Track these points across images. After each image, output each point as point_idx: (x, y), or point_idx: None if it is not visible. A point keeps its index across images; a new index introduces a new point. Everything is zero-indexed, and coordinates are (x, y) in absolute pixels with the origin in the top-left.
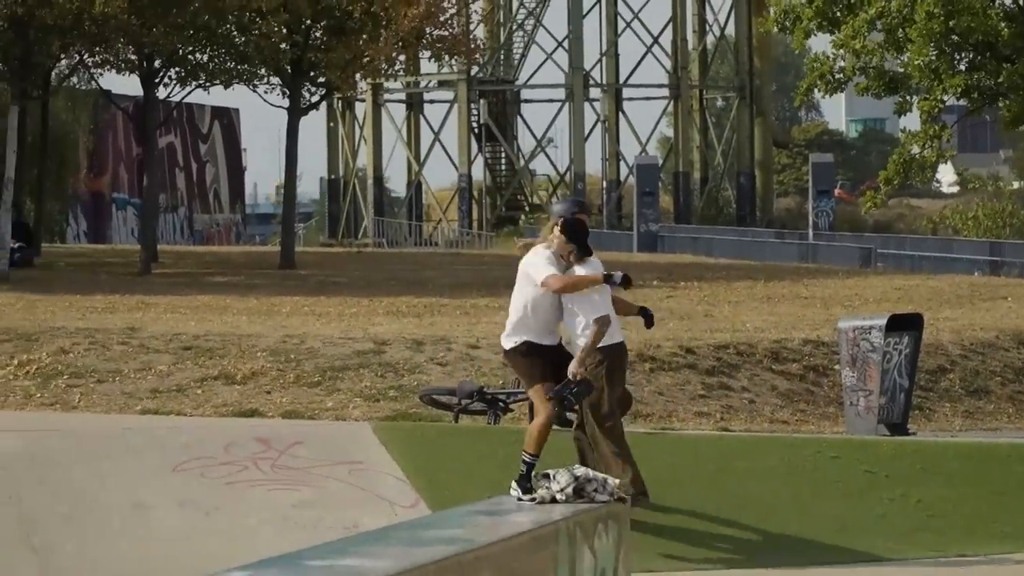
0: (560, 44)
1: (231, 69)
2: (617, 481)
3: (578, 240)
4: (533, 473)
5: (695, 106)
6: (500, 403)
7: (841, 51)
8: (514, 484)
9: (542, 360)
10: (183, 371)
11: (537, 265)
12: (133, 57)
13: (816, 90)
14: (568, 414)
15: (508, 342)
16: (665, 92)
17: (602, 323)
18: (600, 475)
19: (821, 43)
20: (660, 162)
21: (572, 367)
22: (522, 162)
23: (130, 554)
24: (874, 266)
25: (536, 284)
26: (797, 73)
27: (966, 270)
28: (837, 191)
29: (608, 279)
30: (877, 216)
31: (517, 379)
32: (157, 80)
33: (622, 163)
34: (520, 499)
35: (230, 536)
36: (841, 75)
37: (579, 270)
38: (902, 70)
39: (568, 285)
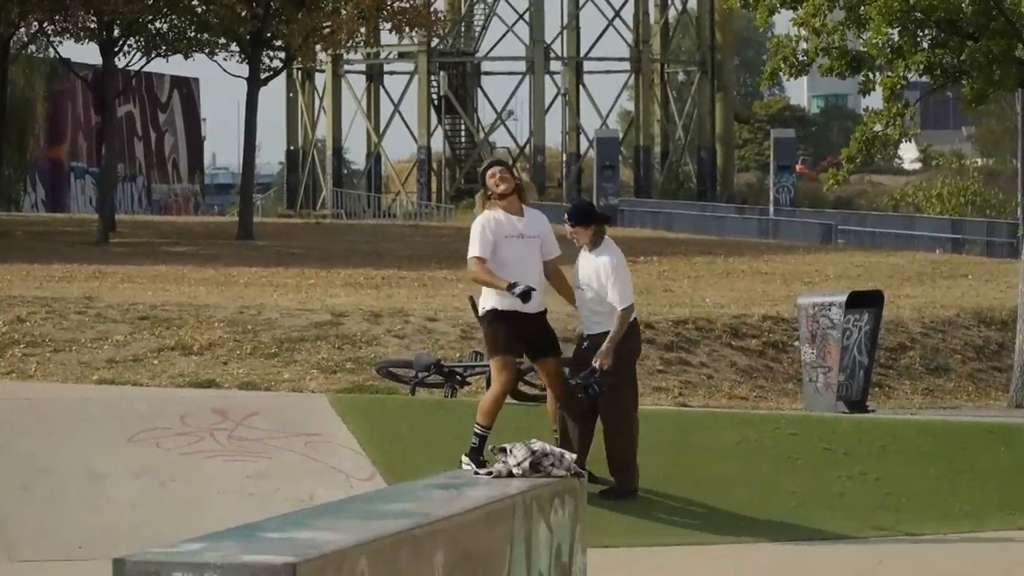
0: (521, 17)
1: (191, 38)
2: (574, 456)
3: (584, 220)
4: (487, 447)
5: (656, 80)
6: (457, 376)
7: (802, 30)
8: (465, 458)
9: (507, 328)
10: (140, 341)
11: (471, 237)
12: (92, 25)
13: (780, 73)
14: (528, 389)
15: (480, 308)
16: (626, 66)
17: (629, 311)
18: (557, 449)
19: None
20: (620, 136)
21: (599, 358)
22: (482, 135)
23: (85, 524)
24: (835, 242)
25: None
26: (759, 48)
27: (927, 247)
28: (798, 167)
29: (511, 288)
30: (838, 192)
31: (475, 352)
32: (116, 49)
33: (582, 136)
34: (476, 473)
35: (186, 507)
36: (804, 57)
37: (586, 256)
38: (864, 49)
39: (477, 279)
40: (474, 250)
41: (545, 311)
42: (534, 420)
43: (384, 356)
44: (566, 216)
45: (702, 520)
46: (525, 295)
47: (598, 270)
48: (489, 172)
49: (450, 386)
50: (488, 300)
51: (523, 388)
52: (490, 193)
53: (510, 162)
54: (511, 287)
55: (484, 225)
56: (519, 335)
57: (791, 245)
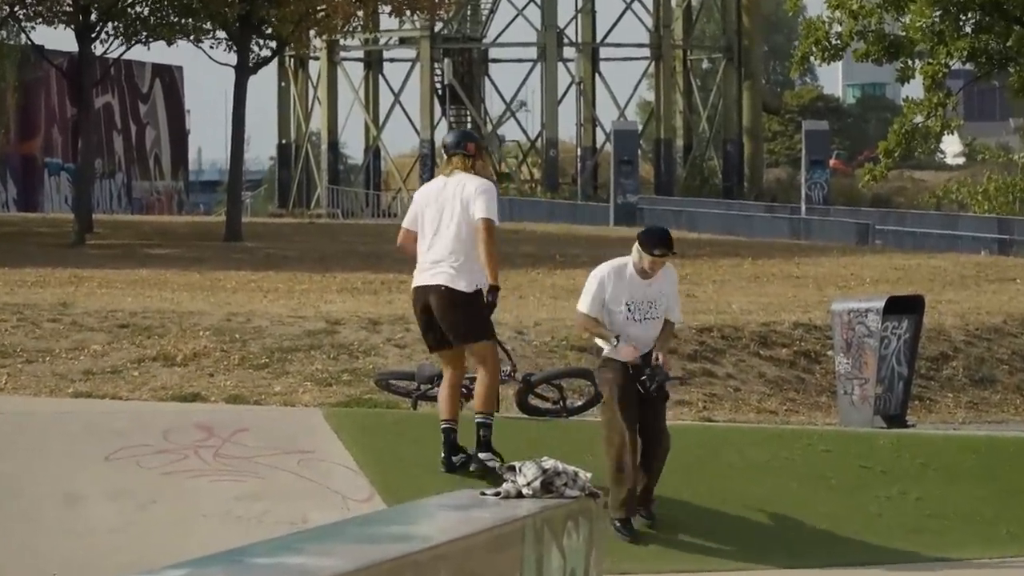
0: None
1: (174, 23)
2: (589, 475)
3: (659, 247)
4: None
5: (678, 68)
6: (463, 388)
7: (837, 12)
8: (483, 456)
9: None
10: (119, 351)
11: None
12: (68, 9)
13: (812, 58)
14: (539, 403)
15: (469, 285)
16: (646, 52)
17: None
18: (570, 468)
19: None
20: (640, 128)
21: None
22: (489, 127)
23: (59, 549)
24: (872, 243)
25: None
26: (790, 33)
27: (972, 248)
28: (832, 161)
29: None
30: (875, 189)
31: None
32: (94, 35)
33: (598, 129)
34: (484, 493)
35: (168, 530)
36: (838, 41)
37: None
38: (903, 33)
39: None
40: (495, 212)
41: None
42: (546, 435)
43: (384, 367)
44: (655, 250)
45: (728, 544)
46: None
47: (662, 289)
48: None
49: None
50: (473, 280)
51: (533, 401)
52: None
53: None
54: (495, 289)
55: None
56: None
57: (824, 246)
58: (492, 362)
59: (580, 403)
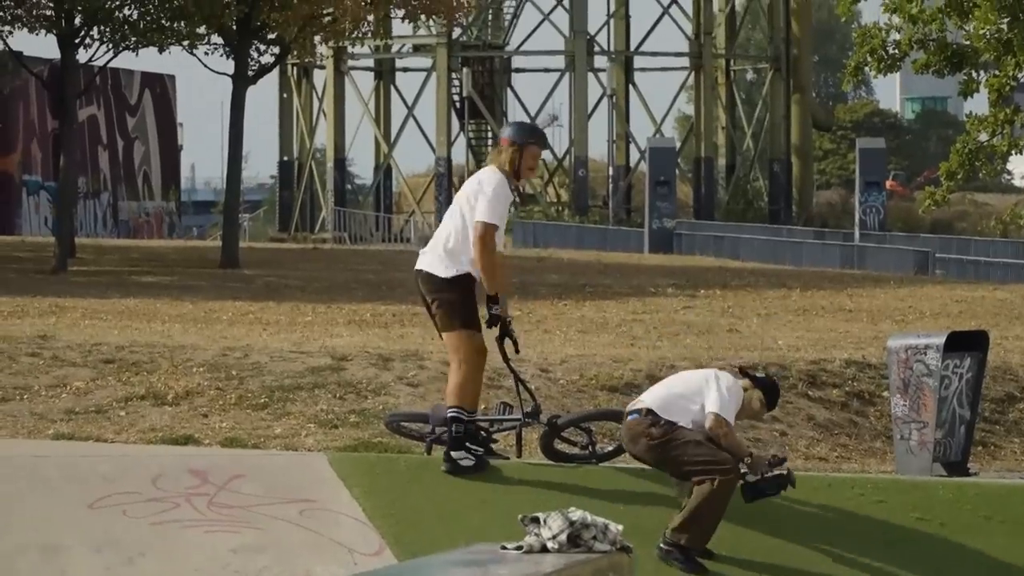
0: (559, 3)
1: (166, 28)
2: (620, 527)
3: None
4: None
5: (720, 79)
6: (482, 433)
7: (894, 18)
8: (455, 455)
9: (475, 298)
10: (104, 388)
11: (491, 194)
12: (49, 13)
13: (867, 68)
14: (566, 448)
15: (448, 271)
16: (685, 62)
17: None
18: (600, 520)
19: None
20: (678, 145)
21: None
22: None
23: None
24: (932, 273)
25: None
26: (843, 42)
27: None
28: (889, 183)
29: (492, 302)
30: (936, 214)
31: (503, 404)
32: (77, 41)
33: (632, 146)
34: (504, 547)
35: None
36: (896, 50)
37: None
38: (967, 42)
39: (484, 260)
40: (492, 215)
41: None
42: (571, 485)
43: (395, 407)
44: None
45: None
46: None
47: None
48: (531, 151)
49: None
50: (452, 267)
51: (559, 446)
52: (517, 169)
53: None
54: (497, 300)
55: (506, 191)
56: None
57: (880, 276)
58: (464, 353)
59: (610, 448)
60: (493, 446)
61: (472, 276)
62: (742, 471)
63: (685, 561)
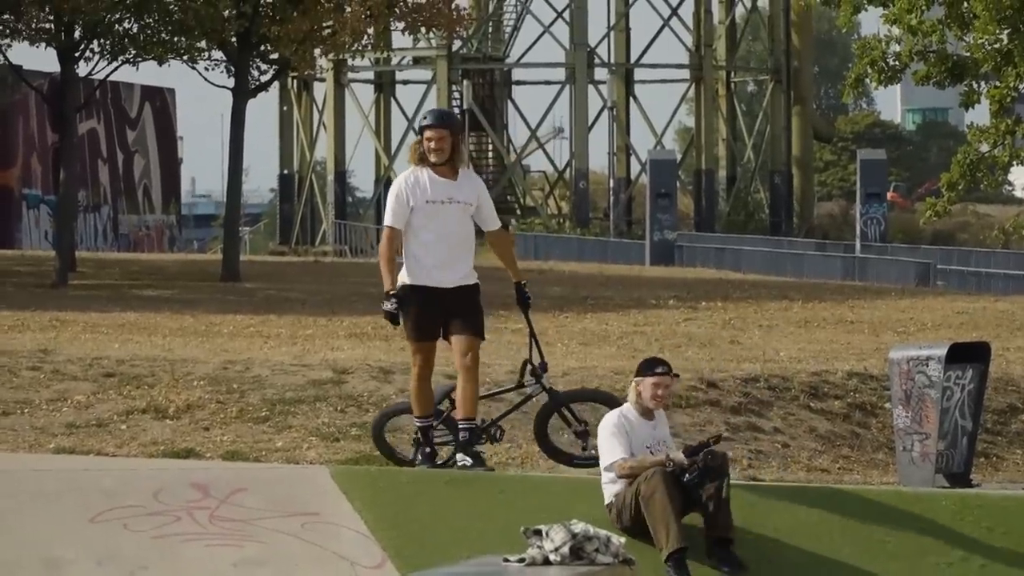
0: (560, 15)
1: (166, 42)
2: (622, 540)
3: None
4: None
5: (721, 91)
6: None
7: (894, 29)
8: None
9: (418, 309)
10: (105, 402)
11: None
12: (49, 26)
13: (867, 80)
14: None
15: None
16: (685, 74)
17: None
18: (603, 532)
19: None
20: (678, 157)
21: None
22: (513, 155)
23: None
24: (933, 284)
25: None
26: (844, 53)
27: None
28: (890, 194)
29: (387, 297)
30: (937, 225)
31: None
32: (77, 54)
33: (633, 158)
34: (507, 560)
35: None
36: (896, 62)
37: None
38: (967, 53)
39: (380, 259)
40: (387, 218)
41: (471, 286)
42: (576, 496)
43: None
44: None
45: None
46: (392, 317)
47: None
48: (426, 135)
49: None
50: (401, 276)
51: (552, 437)
52: (422, 163)
53: (458, 124)
54: (388, 296)
55: (406, 182)
56: (431, 315)
57: (881, 288)
58: (412, 363)
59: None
60: (480, 452)
61: (415, 286)
62: (674, 470)
63: (674, 568)
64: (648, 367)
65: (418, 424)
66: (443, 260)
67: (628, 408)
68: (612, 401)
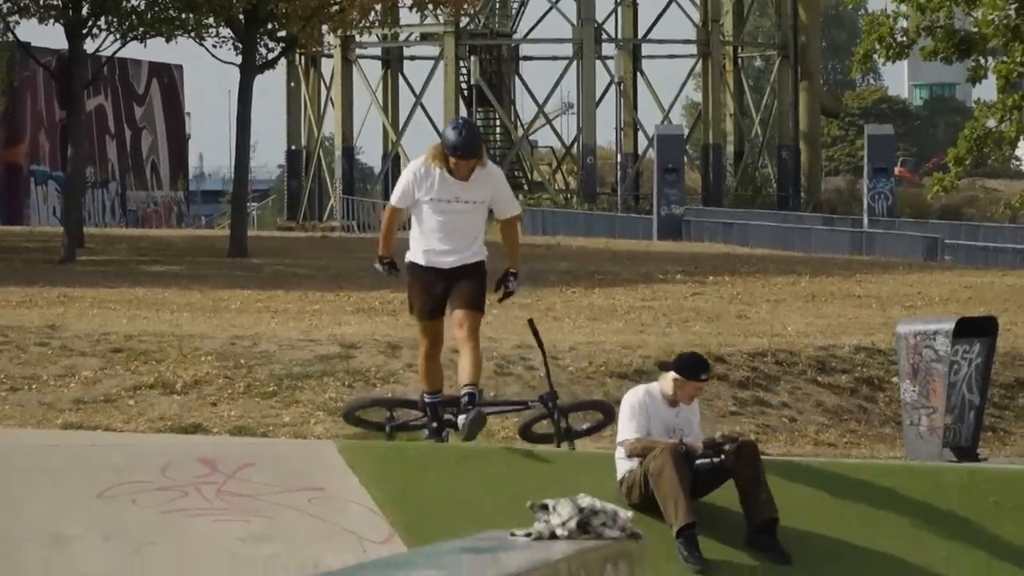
0: None
1: (174, 18)
2: (630, 514)
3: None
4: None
5: (728, 66)
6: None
7: (902, 6)
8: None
9: (421, 285)
10: (113, 378)
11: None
12: (57, 2)
13: (875, 56)
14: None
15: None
16: (692, 49)
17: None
18: (609, 506)
19: None
20: (686, 132)
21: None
22: (520, 131)
23: None
24: (941, 259)
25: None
26: (851, 29)
27: None
28: (898, 169)
29: (381, 259)
30: (944, 200)
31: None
32: (85, 31)
33: (640, 134)
34: (514, 534)
35: (166, 575)
36: (904, 38)
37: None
38: (974, 29)
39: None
40: (392, 196)
41: (475, 263)
42: (581, 472)
43: (404, 394)
44: (702, 375)
45: None
46: (391, 266)
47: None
48: (453, 160)
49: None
50: (408, 254)
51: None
52: (440, 163)
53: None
54: (380, 260)
55: (415, 174)
56: (435, 293)
57: (888, 263)
58: (419, 340)
59: (584, 427)
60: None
61: (418, 265)
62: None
63: (684, 544)
64: (691, 371)
65: (427, 399)
66: (447, 248)
67: (655, 389)
68: (610, 412)
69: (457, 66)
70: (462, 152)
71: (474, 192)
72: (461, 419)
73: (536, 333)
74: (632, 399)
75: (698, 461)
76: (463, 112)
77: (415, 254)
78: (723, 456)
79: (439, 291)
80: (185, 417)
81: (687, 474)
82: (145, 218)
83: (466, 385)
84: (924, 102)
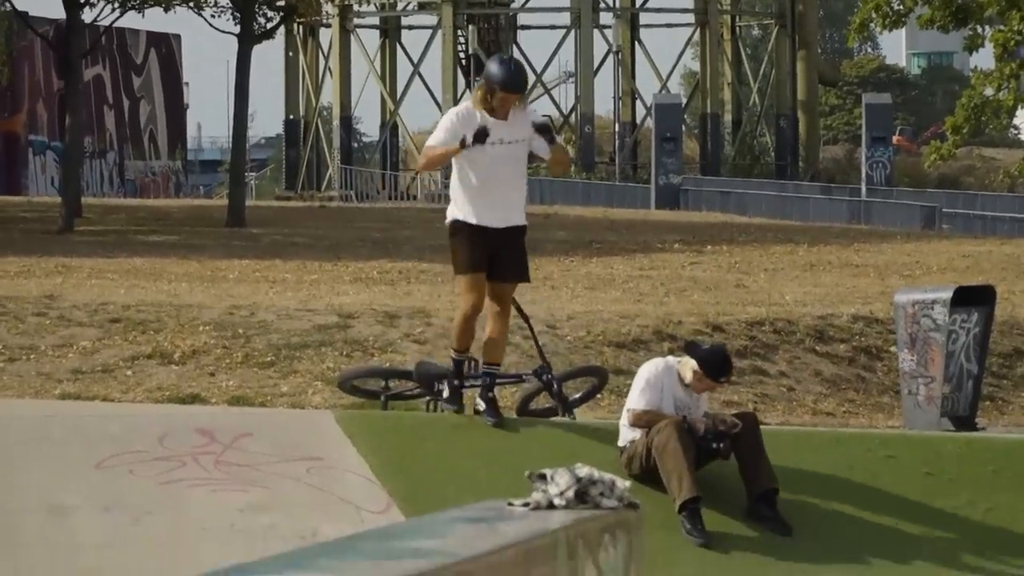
0: None
1: None
2: (627, 484)
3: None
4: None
5: (726, 35)
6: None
7: None
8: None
9: (470, 242)
10: (111, 348)
11: (439, 125)
12: None
13: (872, 24)
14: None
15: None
16: (690, 18)
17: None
18: (607, 476)
19: None
20: (684, 102)
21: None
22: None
23: (43, 568)
24: (938, 228)
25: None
26: None
27: None
28: (896, 138)
29: (463, 145)
30: (942, 169)
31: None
32: (83, 0)
33: (638, 103)
34: (511, 504)
35: (164, 546)
36: (901, 6)
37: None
38: None
39: (427, 164)
40: (430, 140)
41: (518, 227)
42: (579, 442)
43: (401, 364)
44: (722, 378)
45: (781, 558)
46: (480, 134)
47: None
48: (500, 94)
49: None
50: (450, 211)
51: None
52: (482, 106)
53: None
54: (463, 144)
55: (459, 115)
56: (481, 249)
57: (887, 232)
58: (460, 298)
59: (578, 396)
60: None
61: (464, 222)
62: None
63: (688, 517)
64: (713, 371)
65: (454, 357)
66: (490, 203)
67: (675, 365)
68: (604, 375)
69: (455, 35)
70: (512, 86)
71: (515, 131)
72: (477, 401)
73: (519, 308)
74: (650, 371)
75: (699, 444)
76: (460, 81)
77: (461, 211)
78: (722, 445)
79: (484, 249)
80: (183, 387)
81: (692, 448)
82: (143, 188)
83: (492, 364)
84: (922, 71)
